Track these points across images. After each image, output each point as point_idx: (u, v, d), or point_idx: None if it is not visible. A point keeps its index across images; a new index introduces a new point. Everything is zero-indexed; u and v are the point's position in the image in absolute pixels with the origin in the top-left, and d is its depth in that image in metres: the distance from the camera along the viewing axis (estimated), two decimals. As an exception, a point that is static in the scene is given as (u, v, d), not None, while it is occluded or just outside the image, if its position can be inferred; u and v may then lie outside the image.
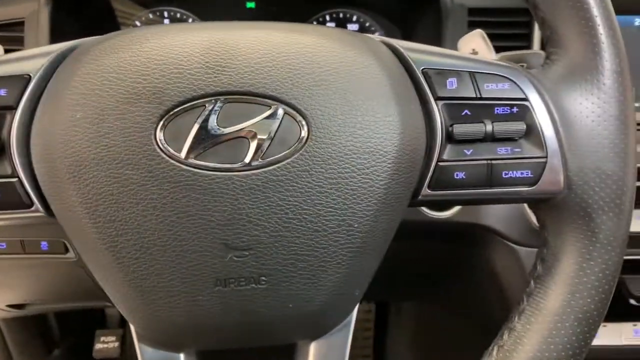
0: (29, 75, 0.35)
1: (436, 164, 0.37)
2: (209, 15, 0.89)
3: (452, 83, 0.37)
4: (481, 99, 0.38)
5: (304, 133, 0.34)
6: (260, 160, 0.33)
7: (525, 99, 0.38)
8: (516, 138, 0.38)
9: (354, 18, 0.91)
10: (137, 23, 0.88)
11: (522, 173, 0.37)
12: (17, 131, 0.34)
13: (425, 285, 0.94)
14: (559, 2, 0.38)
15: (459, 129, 0.37)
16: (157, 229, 0.33)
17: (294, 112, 0.34)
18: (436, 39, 0.77)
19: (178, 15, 0.89)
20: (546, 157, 0.37)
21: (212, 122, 0.33)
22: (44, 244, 0.67)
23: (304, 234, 0.34)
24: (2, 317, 0.94)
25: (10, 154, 0.34)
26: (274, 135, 0.33)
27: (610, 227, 0.37)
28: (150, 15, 0.89)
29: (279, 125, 0.33)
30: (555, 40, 0.39)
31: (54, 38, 0.72)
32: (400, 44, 0.40)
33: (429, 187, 0.38)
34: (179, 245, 0.33)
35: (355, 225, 0.35)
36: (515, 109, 0.38)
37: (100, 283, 0.37)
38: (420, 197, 0.38)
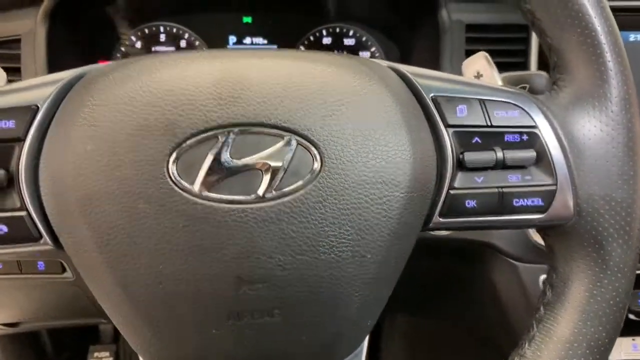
0: (36, 105, 0.34)
1: (447, 192, 0.37)
2: (205, 30, 0.89)
3: (462, 110, 0.37)
4: (491, 126, 0.38)
5: (317, 164, 0.33)
6: (273, 192, 0.33)
7: (535, 127, 0.38)
8: (526, 166, 0.38)
9: (350, 33, 0.92)
10: (133, 38, 0.88)
11: (532, 201, 0.38)
12: (26, 163, 0.33)
13: (423, 300, 0.95)
14: (566, 29, 0.38)
15: (470, 157, 0.37)
16: (170, 262, 0.33)
17: (307, 143, 0.33)
18: (434, 55, 0.78)
19: (174, 30, 0.88)
20: (556, 184, 0.37)
21: (225, 154, 0.32)
22: (41, 264, 0.67)
23: (318, 266, 0.34)
24: (-5, 334, 0.93)
25: (19, 186, 0.33)
26: (287, 167, 0.33)
27: (620, 254, 0.38)
28: (146, 30, 0.88)
29: (292, 157, 0.33)
30: (562, 66, 0.39)
31: (52, 55, 0.72)
32: (408, 69, 0.40)
33: (440, 215, 0.38)
34: (191, 278, 0.33)
35: (369, 256, 0.35)
36: (525, 137, 0.38)
37: (110, 316, 0.36)
38: (431, 224, 0.38)
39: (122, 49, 0.88)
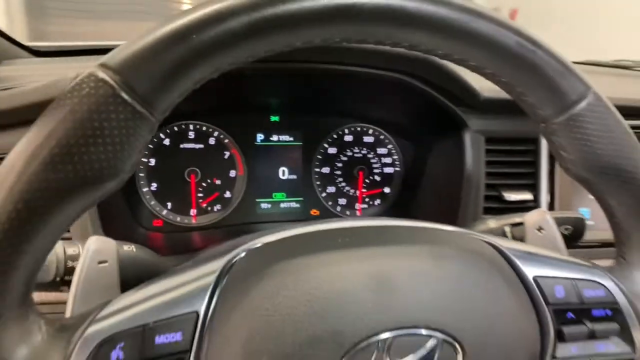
0: (196, 312, 0.35)
1: None
2: (233, 129, 0.92)
3: (559, 291, 0.43)
4: (583, 304, 0.44)
5: (460, 357, 0.38)
6: None
7: (616, 303, 0.44)
8: (611, 337, 0.44)
9: (370, 132, 0.98)
10: (161, 135, 0.90)
11: None
12: None
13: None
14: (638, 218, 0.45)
15: (568, 330, 0.42)
16: None
17: (452, 341, 0.38)
18: (453, 159, 0.84)
19: (204, 128, 0.91)
20: (634, 353, 0.44)
21: (386, 358, 0.36)
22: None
23: None
24: None
25: None
26: None
27: None
28: (175, 128, 0.90)
29: (439, 355, 0.37)
30: (630, 246, 0.46)
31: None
32: (506, 248, 0.45)
33: None
34: None
35: None
36: (609, 312, 0.44)
37: None
38: None
39: (150, 146, 0.90)
